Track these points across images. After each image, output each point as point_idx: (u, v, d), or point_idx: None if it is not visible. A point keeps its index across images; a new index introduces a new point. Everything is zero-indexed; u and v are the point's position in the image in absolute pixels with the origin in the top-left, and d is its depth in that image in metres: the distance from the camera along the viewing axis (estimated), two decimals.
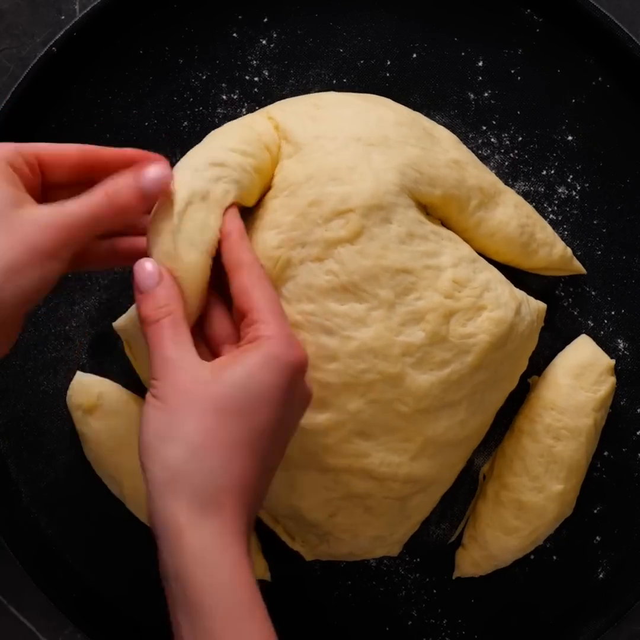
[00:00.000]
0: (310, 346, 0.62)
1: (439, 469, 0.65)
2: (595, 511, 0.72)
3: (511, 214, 0.68)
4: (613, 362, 0.70)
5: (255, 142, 0.63)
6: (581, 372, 0.69)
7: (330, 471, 0.63)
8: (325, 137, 0.63)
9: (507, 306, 0.65)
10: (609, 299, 0.72)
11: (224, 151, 0.61)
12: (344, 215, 0.62)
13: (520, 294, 0.67)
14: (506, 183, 0.72)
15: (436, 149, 0.65)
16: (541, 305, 0.69)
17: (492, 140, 0.72)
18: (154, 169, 0.58)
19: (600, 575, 0.73)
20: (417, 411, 0.63)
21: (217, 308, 0.60)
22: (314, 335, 0.62)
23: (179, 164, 0.61)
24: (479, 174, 0.67)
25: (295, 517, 0.66)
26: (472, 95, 0.72)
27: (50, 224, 0.55)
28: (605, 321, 0.72)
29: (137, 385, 0.71)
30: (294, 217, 0.62)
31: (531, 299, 0.68)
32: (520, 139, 0.72)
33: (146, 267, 0.57)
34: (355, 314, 0.62)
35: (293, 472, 0.64)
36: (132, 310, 0.68)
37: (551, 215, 0.72)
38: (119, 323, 0.69)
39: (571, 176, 0.72)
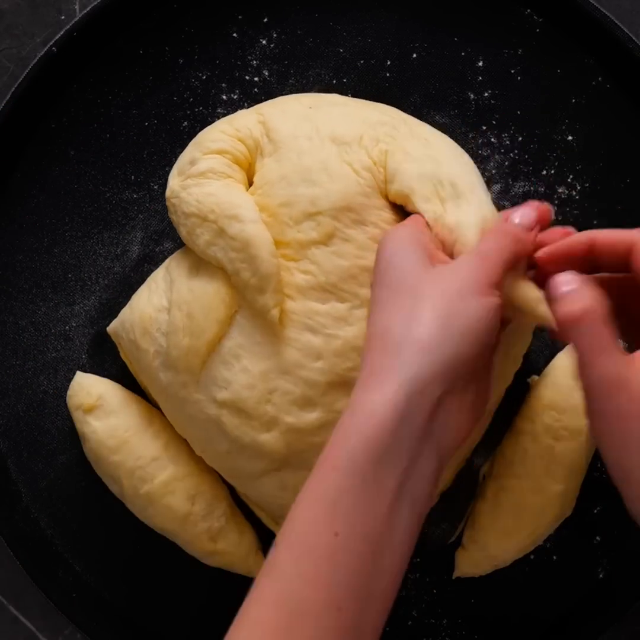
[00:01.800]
0: (296, 344, 0.62)
1: None
2: (595, 511, 0.72)
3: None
4: None
5: (228, 139, 0.64)
6: None
7: None
8: (303, 136, 0.63)
9: None
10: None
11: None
12: (314, 217, 0.62)
13: None
14: (506, 183, 0.72)
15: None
16: None
17: (492, 140, 0.72)
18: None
19: (600, 575, 0.72)
20: None
21: None
22: (299, 333, 0.62)
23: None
24: (453, 172, 0.63)
25: None
26: (472, 95, 0.72)
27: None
28: None
29: (137, 385, 0.71)
30: (266, 217, 0.62)
31: None
32: (520, 139, 0.72)
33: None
34: (337, 313, 0.62)
35: (284, 472, 0.64)
36: (122, 313, 0.68)
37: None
38: (111, 327, 0.69)
39: (571, 176, 0.72)
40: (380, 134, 0.64)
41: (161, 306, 0.65)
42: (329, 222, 0.62)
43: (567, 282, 0.54)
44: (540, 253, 0.57)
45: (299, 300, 0.62)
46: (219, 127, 0.65)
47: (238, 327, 0.63)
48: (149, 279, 0.68)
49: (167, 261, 0.68)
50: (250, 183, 0.65)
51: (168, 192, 0.65)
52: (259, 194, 0.63)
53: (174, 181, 0.65)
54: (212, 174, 0.63)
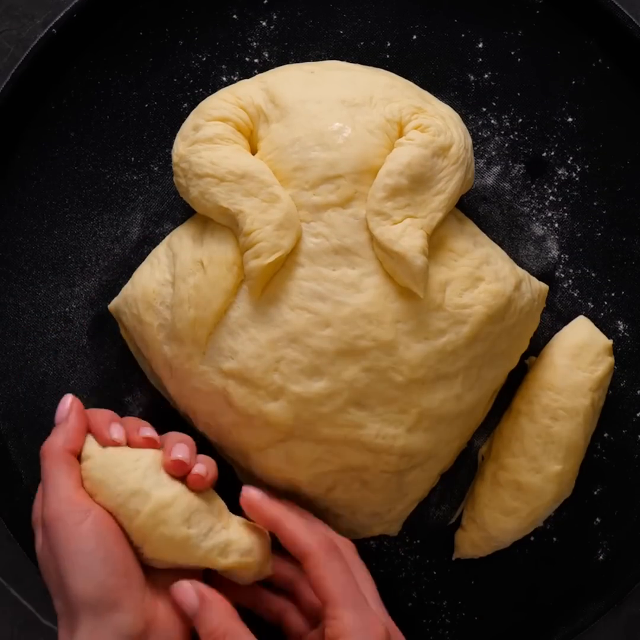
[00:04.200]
0: (304, 312, 0.62)
1: (435, 444, 0.65)
2: (595, 493, 0.72)
3: None
4: (610, 342, 0.70)
5: (230, 106, 0.64)
6: (578, 353, 0.69)
7: (326, 442, 0.63)
8: (312, 100, 0.64)
9: (505, 281, 0.64)
10: (609, 280, 0.72)
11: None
12: (333, 180, 0.62)
13: (522, 272, 0.67)
14: (506, 165, 0.72)
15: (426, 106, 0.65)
16: (543, 286, 0.69)
17: (492, 121, 0.72)
18: None
19: (600, 557, 0.73)
20: (412, 381, 0.63)
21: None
22: (308, 300, 0.62)
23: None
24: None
25: (294, 492, 0.66)
26: (472, 77, 0.72)
27: None
28: (606, 303, 0.72)
29: (135, 371, 0.71)
30: (278, 181, 0.62)
31: (534, 279, 0.68)
32: (520, 120, 0.72)
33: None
34: (347, 279, 0.62)
35: (290, 443, 0.64)
36: (124, 290, 0.68)
37: (551, 197, 0.72)
38: (113, 304, 0.69)
39: (571, 158, 0.72)
40: (390, 95, 0.64)
41: (164, 280, 0.65)
42: (350, 185, 0.62)
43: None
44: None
45: (309, 266, 0.62)
46: (221, 96, 0.66)
47: (245, 296, 0.63)
48: (150, 255, 0.68)
49: (167, 237, 0.68)
50: (253, 151, 0.65)
51: (175, 158, 0.65)
52: (269, 159, 0.63)
53: (180, 146, 0.65)
54: (219, 139, 0.63)
